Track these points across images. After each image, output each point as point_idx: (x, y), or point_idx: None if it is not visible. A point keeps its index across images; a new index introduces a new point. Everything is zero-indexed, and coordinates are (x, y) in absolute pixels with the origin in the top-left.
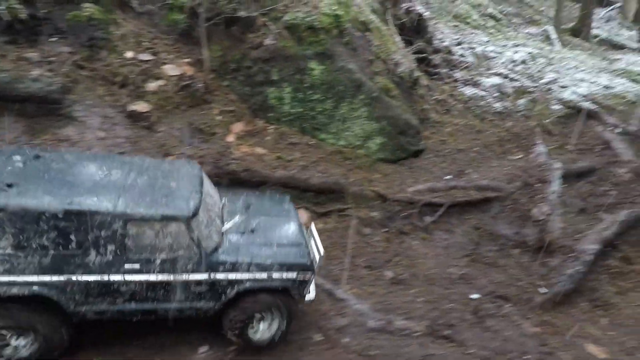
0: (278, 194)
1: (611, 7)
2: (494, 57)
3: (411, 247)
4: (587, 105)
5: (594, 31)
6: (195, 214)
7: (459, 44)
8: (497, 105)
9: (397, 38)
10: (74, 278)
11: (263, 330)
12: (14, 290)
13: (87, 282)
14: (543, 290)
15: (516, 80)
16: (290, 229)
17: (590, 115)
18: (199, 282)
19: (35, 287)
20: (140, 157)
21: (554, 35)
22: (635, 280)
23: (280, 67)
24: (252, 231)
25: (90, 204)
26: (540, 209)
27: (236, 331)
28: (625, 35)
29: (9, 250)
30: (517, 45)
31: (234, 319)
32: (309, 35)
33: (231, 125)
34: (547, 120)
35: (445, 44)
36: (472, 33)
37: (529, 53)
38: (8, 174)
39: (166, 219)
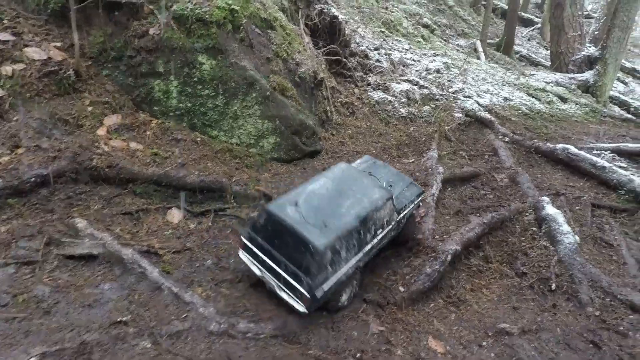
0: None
1: (532, 28)
2: (411, 65)
3: None
4: (484, 115)
5: (516, 47)
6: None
7: (376, 49)
8: (403, 111)
9: (307, 39)
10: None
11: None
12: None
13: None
14: (402, 289)
15: (426, 87)
16: (401, 178)
17: (486, 124)
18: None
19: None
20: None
21: (480, 48)
22: (490, 278)
23: (166, 59)
24: (391, 186)
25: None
26: (417, 211)
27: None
28: (542, 54)
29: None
30: (436, 55)
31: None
32: (198, 28)
33: (104, 118)
34: (448, 127)
35: (362, 48)
36: (396, 40)
37: (445, 63)
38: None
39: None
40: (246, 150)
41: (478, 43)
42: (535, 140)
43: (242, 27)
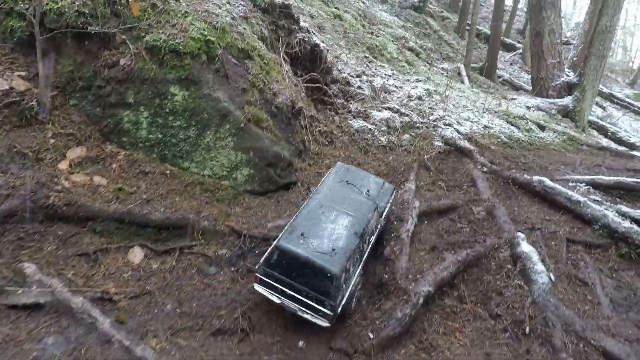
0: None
1: (514, 53)
2: (393, 91)
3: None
4: (464, 143)
5: (499, 72)
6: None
7: (358, 75)
8: (383, 139)
9: (286, 67)
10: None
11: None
12: None
13: None
14: (371, 335)
15: (407, 115)
16: (375, 182)
17: (465, 153)
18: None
19: None
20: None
21: (464, 72)
22: (464, 320)
23: (137, 90)
24: (368, 191)
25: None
26: (391, 247)
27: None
28: (524, 78)
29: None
30: (419, 81)
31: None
32: (171, 59)
33: (67, 150)
34: (427, 156)
35: (344, 75)
36: (380, 65)
37: (427, 90)
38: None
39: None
40: (218, 183)
41: (462, 67)
42: (513, 171)
43: (217, 58)
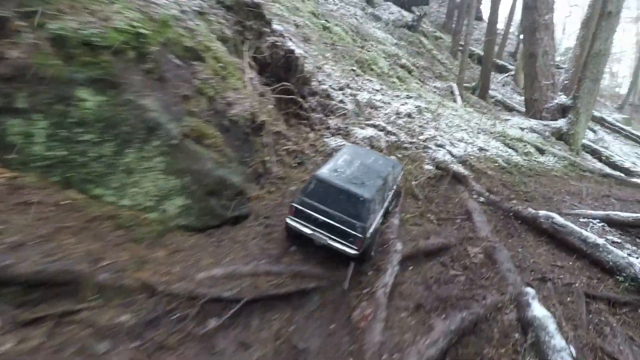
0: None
1: (507, 74)
2: (380, 107)
3: None
4: (457, 168)
5: (492, 92)
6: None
7: (341, 88)
8: None
9: (250, 74)
10: None
11: None
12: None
13: None
14: None
15: (393, 134)
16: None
17: (459, 179)
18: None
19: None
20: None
21: (456, 91)
22: None
23: (31, 91)
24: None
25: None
26: (363, 310)
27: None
28: (517, 100)
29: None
30: (409, 97)
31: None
32: (83, 54)
33: None
34: (415, 182)
35: (324, 87)
36: (367, 79)
37: (417, 107)
38: None
39: None
40: (140, 217)
41: (454, 86)
42: (514, 202)
43: (151, 56)
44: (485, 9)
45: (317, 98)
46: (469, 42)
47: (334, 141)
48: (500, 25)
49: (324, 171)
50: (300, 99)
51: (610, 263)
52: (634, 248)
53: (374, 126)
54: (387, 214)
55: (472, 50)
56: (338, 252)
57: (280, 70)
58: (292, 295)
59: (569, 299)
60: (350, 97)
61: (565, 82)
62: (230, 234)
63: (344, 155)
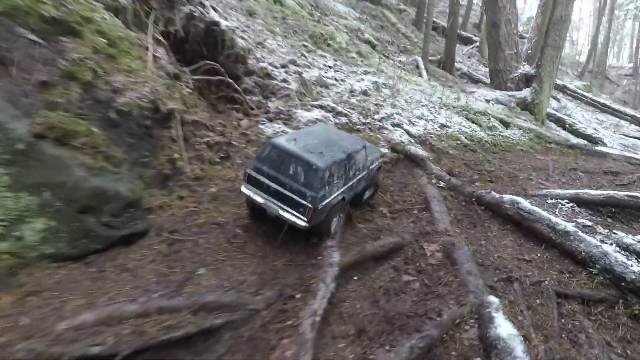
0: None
1: (472, 46)
2: (332, 85)
3: None
4: (415, 150)
5: (457, 65)
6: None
7: (284, 66)
8: None
9: (158, 52)
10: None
11: None
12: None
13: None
14: None
15: (344, 115)
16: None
17: (417, 162)
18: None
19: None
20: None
21: (421, 65)
22: None
23: None
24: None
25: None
26: (284, 348)
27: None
28: (482, 71)
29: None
30: (366, 73)
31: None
32: None
33: None
34: None
35: (263, 65)
36: (320, 55)
37: (374, 82)
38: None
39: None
40: None
41: (419, 59)
42: (477, 185)
43: None
44: None
45: (254, 78)
46: (432, 14)
47: (271, 128)
48: None
49: (282, 138)
50: (231, 80)
51: (583, 253)
52: (607, 231)
53: (322, 107)
54: (358, 200)
55: (436, 22)
56: (289, 224)
57: (202, 46)
58: (194, 337)
59: (538, 301)
60: (295, 76)
61: (529, 51)
62: (117, 259)
63: (311, 129)
